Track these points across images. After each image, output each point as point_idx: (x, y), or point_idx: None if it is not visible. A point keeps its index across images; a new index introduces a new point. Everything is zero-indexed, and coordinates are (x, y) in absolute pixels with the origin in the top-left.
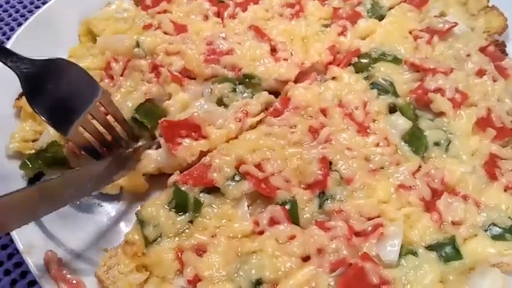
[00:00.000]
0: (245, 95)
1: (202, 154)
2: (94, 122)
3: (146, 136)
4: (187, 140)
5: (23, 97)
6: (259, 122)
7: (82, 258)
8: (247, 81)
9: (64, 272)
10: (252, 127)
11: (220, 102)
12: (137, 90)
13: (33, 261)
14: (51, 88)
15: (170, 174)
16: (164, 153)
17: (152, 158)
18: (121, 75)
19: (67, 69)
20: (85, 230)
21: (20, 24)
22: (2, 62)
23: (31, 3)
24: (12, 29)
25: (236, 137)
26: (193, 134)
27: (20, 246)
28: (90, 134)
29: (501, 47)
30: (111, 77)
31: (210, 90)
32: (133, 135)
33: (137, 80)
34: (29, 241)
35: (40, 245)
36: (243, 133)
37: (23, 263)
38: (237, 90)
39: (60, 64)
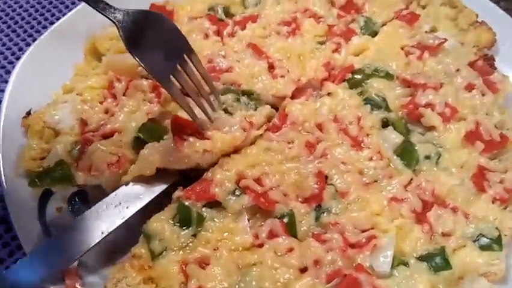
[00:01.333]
0: (249, 106)
1: (205, 166)
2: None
3: None
4: (191, 138)
5: (30, 115)
6: (260, 136)
7: (92, 271)
8: (247, 96)
9: (77, 284)
10: (256, 139)
11: (225, 111)
12: (140, 110)
13: None
14: (148, 38)
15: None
16: (169, 146)
17: (156, 148)
18: (123, 95)
19: (160, 21)
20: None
21: (28, 44)
22: (101, 12)
23: (38, 23)
24: (20, 49)
25: (240, 149)
26: (197, 135)
27: None
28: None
29: (490, 61)
30: (114, 96)
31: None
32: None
33: (139, 100)
34: None
35: None
36: (243, 149)
37: None
38: (241, 100)
39: (153, 16)
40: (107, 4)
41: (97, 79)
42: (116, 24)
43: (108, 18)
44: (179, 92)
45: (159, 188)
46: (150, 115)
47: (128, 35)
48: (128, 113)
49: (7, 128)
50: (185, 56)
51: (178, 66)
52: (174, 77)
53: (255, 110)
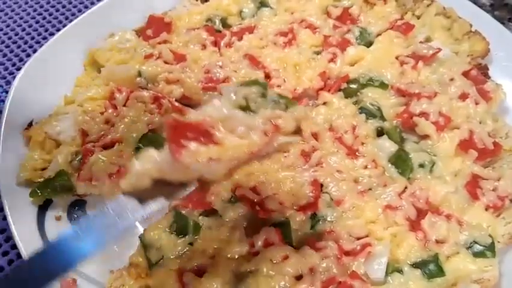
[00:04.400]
0: (278, 105)
1: (211, 178)
2: None
3: None
4: (193, 144)
5: (32, 126)
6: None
7: (90, 280)
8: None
9: None
10: (283, 151)
11: (244, 109)
12: (140, 121)
13: None
14: None
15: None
16: (167, 156)
17: (152, 158)
18: (124, 105)
19: None
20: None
21: (29, 55)
22: None
23: (39, 35)
24: (21, 60)
25: (256, 160)
26: (202, 138)
27: None
28: None
29: (484, 70)
30: (114, 107)
31: (233, 93)
32: None
33: (140, 111)
34: None
35: None
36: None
37: None
38: (268, 97)
39: None
40: None
41: (98, 90)
42: None
43: None
44: None
45: (156, 205)
46: (151, 126)
47: None
48: (128, 123)
49: (7, 138)
50: None
51: None
52: None
53: (286, 110)
